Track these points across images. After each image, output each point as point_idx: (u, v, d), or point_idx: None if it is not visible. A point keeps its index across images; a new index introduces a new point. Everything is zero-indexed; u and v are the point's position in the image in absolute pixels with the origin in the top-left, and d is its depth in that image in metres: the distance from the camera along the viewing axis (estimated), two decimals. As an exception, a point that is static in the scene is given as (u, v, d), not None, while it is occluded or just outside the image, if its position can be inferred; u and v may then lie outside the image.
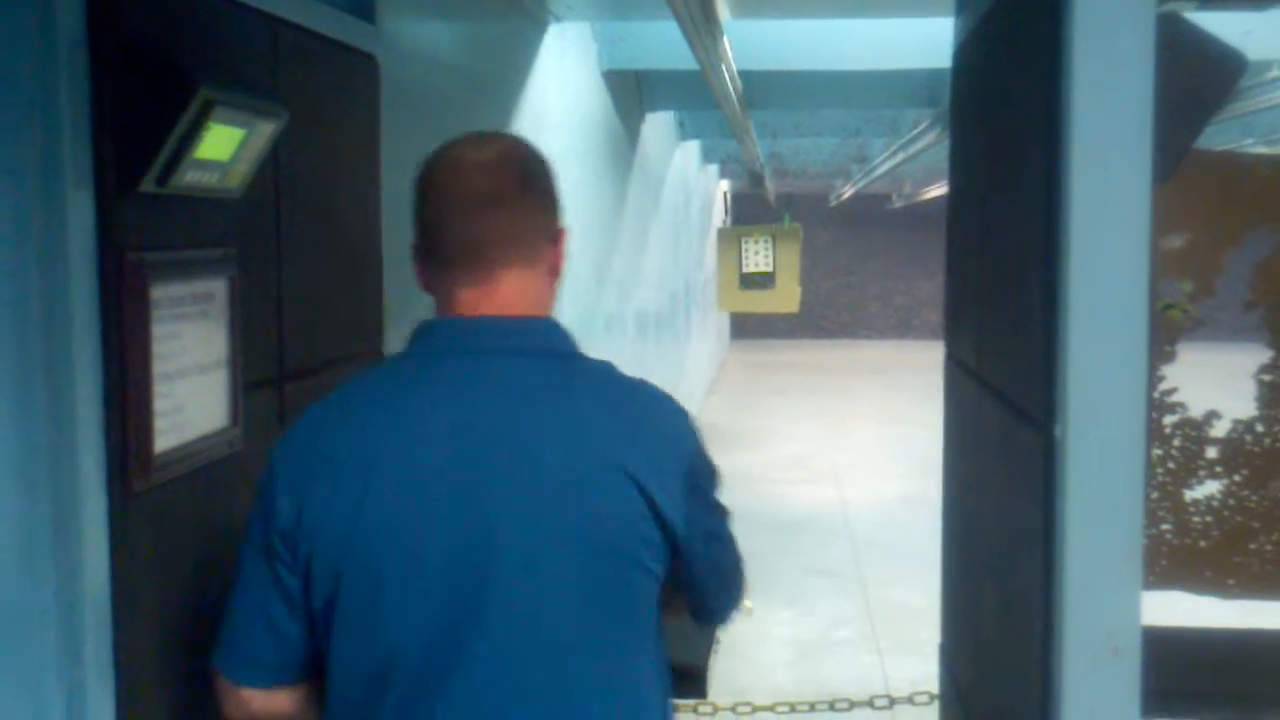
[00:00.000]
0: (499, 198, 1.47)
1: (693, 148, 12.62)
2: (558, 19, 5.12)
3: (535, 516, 1.40)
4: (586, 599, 1.42)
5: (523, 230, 1.49)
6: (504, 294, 1.47)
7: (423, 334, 1.51)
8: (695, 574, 1.54)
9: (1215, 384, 2.42)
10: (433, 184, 1.49)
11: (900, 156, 9.48)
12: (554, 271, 1.55)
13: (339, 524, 1.41)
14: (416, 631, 1.40)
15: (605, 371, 1.51)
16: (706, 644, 1.98)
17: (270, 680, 1.51)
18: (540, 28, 4.94)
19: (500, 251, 1.47)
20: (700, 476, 1.51)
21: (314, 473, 1.44)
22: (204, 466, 1.73)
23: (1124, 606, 1.33)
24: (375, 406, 1.46)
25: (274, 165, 1.91)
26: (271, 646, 1.49)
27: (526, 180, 1.50)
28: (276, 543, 1.45)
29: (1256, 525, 1.95)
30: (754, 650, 5.75)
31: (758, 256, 11.23)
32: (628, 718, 1.46)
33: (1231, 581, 1.96)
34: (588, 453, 1.41)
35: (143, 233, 1.59)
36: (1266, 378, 1.98)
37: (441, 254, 1.49)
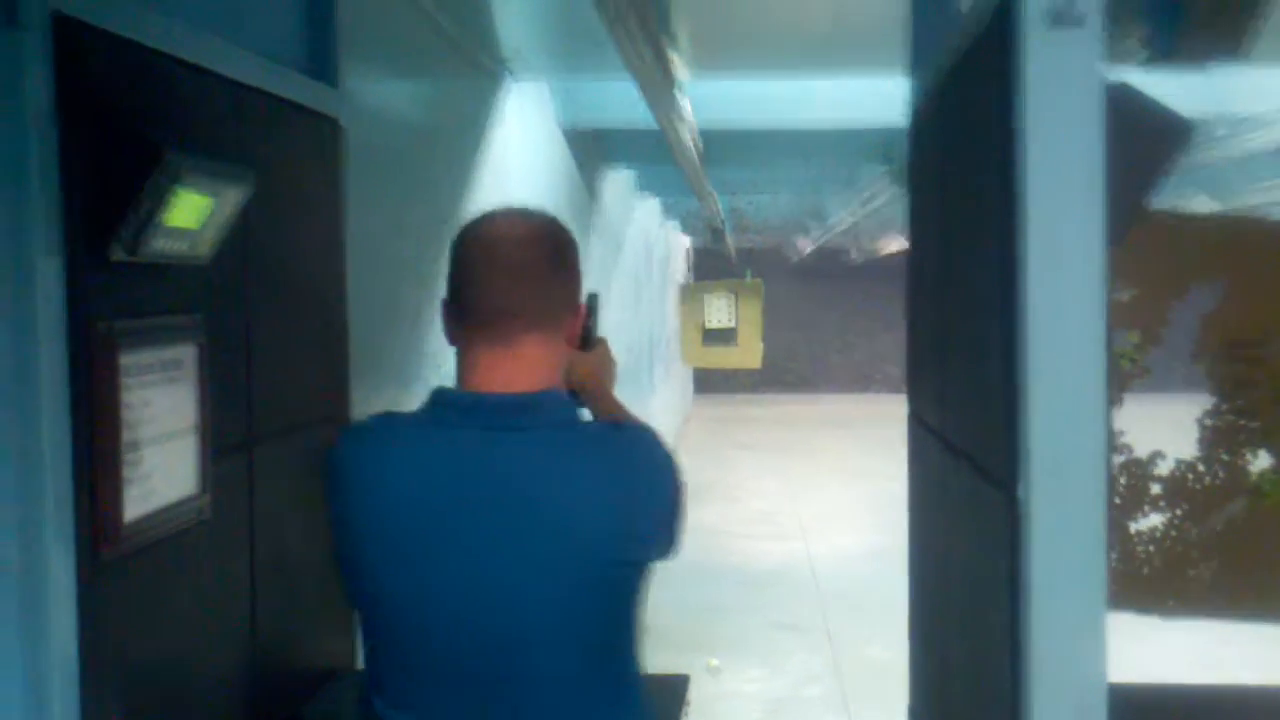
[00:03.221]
0: (529, 271, 1.60)
1: (653, 204, 12.71)
2: (515, 78, 5.17)
3: (531, 581, 1.52)
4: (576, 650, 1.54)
5: (547, 302, 1.62)
6: (525, 356, 1.60)
7: (438, 404, 1.62)
8: None
9: (1167, 431, 2.50)
10: (471, 252, 1.62)
11: (858, 212, 9.59)
12: (571, 340, 1.70)
13: (355, 549, 1.58)
14: (430, 653, 1.55)
15: (600, 438, 1.66)
16: (677, 707, 1.98)
17: None
18: (499, 86, 4.98)
19: (526, 317, 1.60)
20: (678, 512, 1.65)
21: (342, 493, 1.60)
22: (173, 534, 1.72)
23: (1090, 666, 1.35)
24: (391, 461, 1.59)
25: (241, 230, 1.92)
26: None
27: (556, 257, 1.65)
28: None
29: (1196, 554, 2.10)
30: (723, 709, 5.70)
31: (720, 313, 11.28)
32: None
33: (1172, 602, 2.11)
34: (584, 524, 1.52)
35: (112, 300, 1.59)
36: (1208, 422, 2.11)
37: (473, 315, 1.61)
